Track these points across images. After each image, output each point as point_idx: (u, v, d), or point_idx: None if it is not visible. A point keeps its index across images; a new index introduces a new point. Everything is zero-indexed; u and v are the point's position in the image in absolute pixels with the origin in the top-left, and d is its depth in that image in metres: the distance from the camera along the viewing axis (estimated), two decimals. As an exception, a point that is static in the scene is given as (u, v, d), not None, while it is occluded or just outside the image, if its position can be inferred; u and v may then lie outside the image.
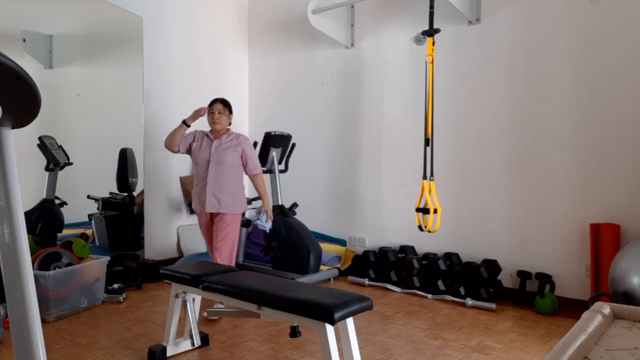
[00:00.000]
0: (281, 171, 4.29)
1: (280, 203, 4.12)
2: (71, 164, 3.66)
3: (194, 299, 2.51)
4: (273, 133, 4.03)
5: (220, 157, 3.17)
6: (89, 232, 3.80)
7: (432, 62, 3.30)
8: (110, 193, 3.97)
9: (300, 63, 4.91)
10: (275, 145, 4.12)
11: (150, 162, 4.34)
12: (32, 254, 3.10)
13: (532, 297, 3.38)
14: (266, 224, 3.37)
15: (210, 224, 3.28)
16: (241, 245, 4.54)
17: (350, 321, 1.86)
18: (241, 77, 5.34)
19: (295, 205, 4.30)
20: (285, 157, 4.33)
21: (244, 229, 4.52)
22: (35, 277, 2.89)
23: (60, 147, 3.60)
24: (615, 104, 3.16)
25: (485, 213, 3.71)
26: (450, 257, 3.74)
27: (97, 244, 3.86)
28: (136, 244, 4.18)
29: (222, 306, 3.13)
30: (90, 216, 3.82)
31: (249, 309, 2.02)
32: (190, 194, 4.55)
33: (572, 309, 3.30)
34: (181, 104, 4.61)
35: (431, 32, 3.29)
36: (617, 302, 2.63)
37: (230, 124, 3.32)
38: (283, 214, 4.03)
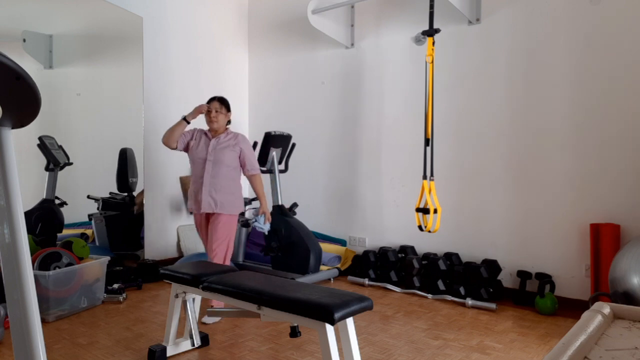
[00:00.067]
0: (281, 171, 4.29)
1: (280, 203, 4.12)
2: (71, 164, 3.66)
3: (194, 299, 2.51)
4: (273, 133, 4.03)
5: (217, 156, 3.12)
6: (89, 232, 3.80)
7: (432, 62, 3.30)
8: (110, 193, 3.97)
9: (300, 63, 4.91)
10: (275, 145, 4.12)
11: (150, 162, 4.34)
12: (32, 254, 3.10)
13: (532, 297, 3.38)
14: (264, 225, 3.34)
15: (206, 224, 3.24)
16: (241, 245, 4.54)
17: (350, 321, 1.86)
18: (241, 77, 5.34)
19: (295, 205, 4.30)
20: (285, 157, 4.33)
21: (244, 229, 4.52)
22: (35, 277, 2.89)
23: (60, 147, 3.60)
24: (615, 104, 3.16)
25: (485, 213, 3.71)
26: (450, 257, 3.74)
27: (97, 244, 3.86)
28: (136, 244, 4.18)
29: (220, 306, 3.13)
30: (90, 216, 3.82)
31: (249, 309, 2.02)
32: (190, 194, 4.54)
33: (572, 309, 3.30)
34: (181, 104, 4.61)
35: (431, 32, 3.29)
36: (617, 302, 2.63)
37: (229, 122, 3.29)
38: (283, 214, 4.03)
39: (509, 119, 3.59)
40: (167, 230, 4.50)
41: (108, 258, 3.44)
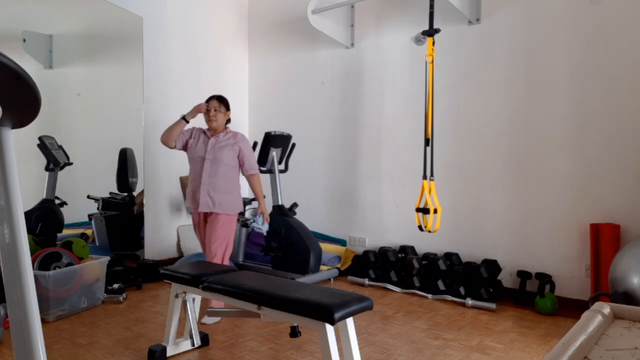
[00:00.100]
0: (281, 171, 4.29)
1: (280, 203, 4.12)
2: (71, 164, 3.66)
3: (194, 299, 2.51)
4: (273, 133, 4.02)
5: (216, 155, 3.09)
6: (89, 232, 3.80)
7: (432, 62, 3.30)
8: (110, 193, 3.97)
9: (300, 63, 4.91)
10: (275, 145, 4.12)
11: (150, 162, 4.34)
12: (32, 254, 3.10)
13: (532, 297, 3.38)
14: (262, 226, 3.33)
15: (203, 224, 3.21)
16: (241, 245, 4.53)
17: (350, 321, 1.86)
18: (241, 77, 5.34)
19: (295, 205, 4.30)
20: (285, 157, 4.33)
21: (244, 229, 4.51)
22: (35, 277, 2.89)
23: (60, 147, 3.60)
24: (615, 104, 3.16)
25: (485, 213, 3.71)
26: (450, 257, 3.74)
27: (97, 244, 3.86)
28: (136, 244, 4.18)
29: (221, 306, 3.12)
30: (90, 216, 3.82)
31: (249, 309, 2.02)
32: (190, 194, 4.54)
33: (572, 309, 3.30)
34: (181, 104, 4.61)
35: (431, 32, 3.29)
36: (617, 302, 2.63)
37: (229, 121, 3.27)
38: (283, 214, 4.03)
39: (509, 119, 3.59)
40: (167, 230, 4.50)
41: (108, 258, 3.44)
